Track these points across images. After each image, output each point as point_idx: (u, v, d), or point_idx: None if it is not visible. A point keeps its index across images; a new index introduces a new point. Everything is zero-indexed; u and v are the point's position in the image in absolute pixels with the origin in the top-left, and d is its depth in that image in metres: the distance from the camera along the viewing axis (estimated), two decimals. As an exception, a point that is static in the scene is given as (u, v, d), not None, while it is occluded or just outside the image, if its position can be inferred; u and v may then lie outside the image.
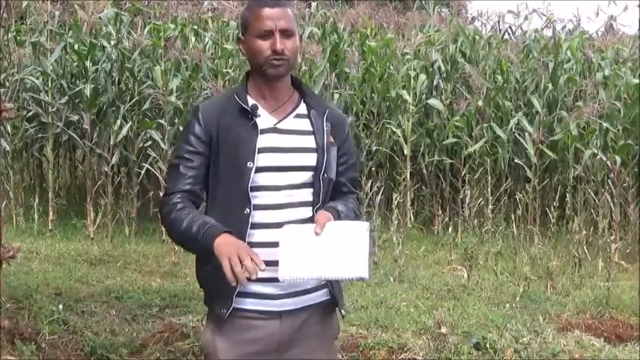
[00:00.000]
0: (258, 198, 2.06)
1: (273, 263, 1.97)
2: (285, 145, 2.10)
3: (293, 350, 2.13)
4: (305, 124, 2.15)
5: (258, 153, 2.05)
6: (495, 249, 6.65)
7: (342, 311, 2.21)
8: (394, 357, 4.12)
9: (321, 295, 2.16)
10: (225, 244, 1.93)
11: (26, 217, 7.54)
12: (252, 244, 2.00)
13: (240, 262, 1.86)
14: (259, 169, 2.05)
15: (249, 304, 2.08)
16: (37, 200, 7.51)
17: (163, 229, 2.22)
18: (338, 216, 2.07)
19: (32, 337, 3.89)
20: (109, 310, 4.69)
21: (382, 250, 6.27)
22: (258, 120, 2.08)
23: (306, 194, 2.12)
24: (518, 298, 5.22)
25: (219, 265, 1.92)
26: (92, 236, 7.13)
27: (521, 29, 9.41)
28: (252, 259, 1.88)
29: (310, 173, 2.12)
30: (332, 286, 2.16)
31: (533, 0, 10.18)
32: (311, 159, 2.11)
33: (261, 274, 1.99)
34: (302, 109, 2.17)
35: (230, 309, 2.05)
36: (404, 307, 4.95)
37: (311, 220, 2.07)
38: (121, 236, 7.28)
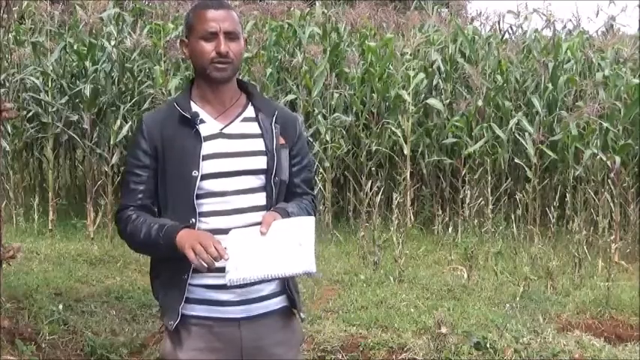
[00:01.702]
0: (205, 205, 2.05)
1: (220, 269, 1.95)
2: (232, 149, 2.07)
3: (259, 358, 2.10)
4: (253, 128, 2.12)
5: (202, 160, 2.04)
6: (495, 249, 6.64)
7: (302, 314, 2.19)
8: (394, 357, 4.12)
9: (279, 302, 2.14)
10: (186, 237, 1.94)
11: (26, 217, 7.54)
12: None
13: (205, 249, 1.88)
14: (205, 177, 2.04)
15: (203, 311, 2.06)
16: (37, 200, 7.51)
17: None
18: (287, 215, 2.04)
19: (32, 337, 3.89)
20: (109, 310, 4.69)
21: (382, 250, 6.27)
22: (201, 127, 2.06)
23: (259, 198, 2.09)
24: (518, 298, 5.22)
25: (168, 276, 2.01)
26: (92, 236, 7.13)
27: (521, 29, 9.41)
28: (215, 247, 1.89)
29: (261, 177, 2.09)
30: (290, 290, 2.14)
31: (534, 0, 10.18)
32: (261, 162, 2.09)
33: (213, 281, 2.02)
34: (249, 112, 2.15)
35: (177, 320, 2.04)
36: (404, 307, 4.95)
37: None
38: (120, 236, 7.27)
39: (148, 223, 2.03)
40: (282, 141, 2.13)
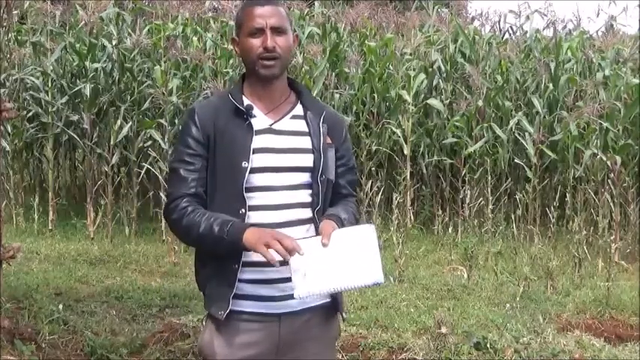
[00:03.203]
0: (254, 199, 2.05)
1: (270, 264, 1.96)
2: (280, 145, 2.09)
3: (293, 353, 2.11)
4: (301, 125, 2.14)
5: (253, 153, 2.04)
6: (495, 249, 6.65)
7: (344, 314, 2.20)
8: (394, 357, 4.12)
9: (321, 298, 2.14)
10: (256, 235, 1.94)
11: (26, 217, 7.54)
12: None
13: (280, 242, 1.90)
14: (254, 170, 2.05)
15: (248, 306, 2.07)
16: (37, 200, 7.52)
17: (173, 234, 2.19)
18: (341, 224, 2.06)
19: (32, 337, 3.89)
20: (109, 310, 4.69)
21: (382, 250, 6.26)
22: (253, 120, 2.08)
23: (304, 195, 2.11)
24: (518, 298, 5.22)
25: (216, 266, 1.99)
26: (92, 236, 7.13)
27: (522, 29, 9.41)
28: (290, 242, 1.91)
29: (307, 174, 2.11)
30: None
31: (534, 0, 10.18)
32: (307, 160, 2.11)
33: (260, 275, 2.02)
34: (298, 110, 2.17)
35: (227, 310, 2.04)
36: (404, 307, 4.95)
37: (310, 221, 2.08)
38: (121, 236, 7.28)
39: (208, 217, 2.01)
40: (328, 141, 2.15)
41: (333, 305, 2.17)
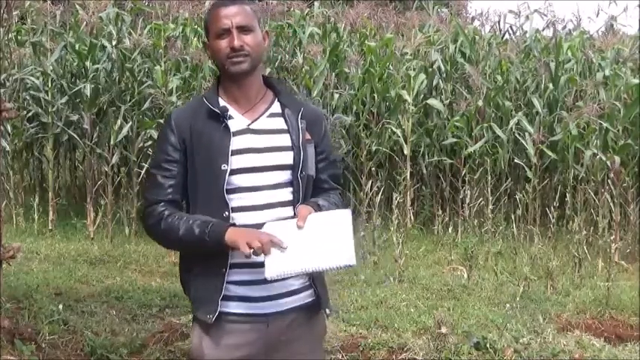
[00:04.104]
0: (236, 200, 2.06)
1: (256, 265, 1.98)
2: (259, 145, 2.09)
3: (281, 352, 2.12)
4: (279, 123, 2.14)
5: (231, 155, 2.05)
6: (495, 249, 6.65)
7: (327, 310, 2.20)
8: (394, 357, 4.12)
9: (306, 297, 2.15)
10: (239, 235, 1.96)
11: (26, 217, 7.54)
12: None
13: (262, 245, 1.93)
14: (234, 171, 2.05)
15: (235, 307, 2.07)
16: (37, 200, 7.52)
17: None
18: (319, 209, 2.06)
19: (32, 337, 3.89)
20: (109, 310, 4.69)
21: (382, 250, 6.27)
22: (229, 122, 2.08)
23: (286, 194, 2.10)
24: (518, 298, 5.22)
25: (202, 270, 2.03)
26: (92, 236, 7.14)
27: (522, 29, 9.41)
28: (271, 241, 1.93)
29: (288, 172, 2.11)
30: (316, 286, 2.15)
31: (534, 0, 10.18)
32: (287, 157, 2.10)
33: (247, 277, 2.04)
34: (276, 107, 2.16)
35: (216, 313, 2.04)
36: (404, 307, 4.95)
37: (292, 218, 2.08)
38: (121, 236, 7.28)
39: (186, 220, 2.03)
40: (308, 137, 2.15)
41: (318, 302, 2.17)
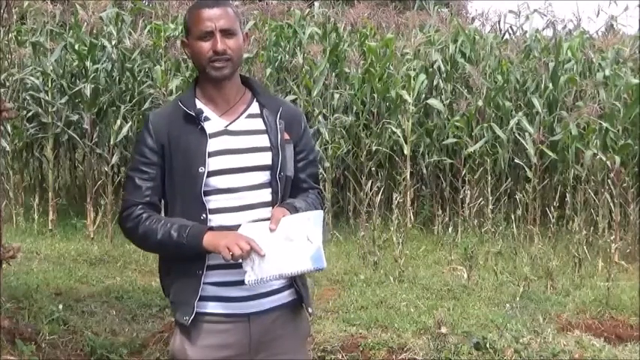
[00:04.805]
0: (213, 202, 2.06)
1: (234, 266, 1.98)
2: (237, 146, 2.08)
3: (265, 352, 2.12)
4: (258, 124, 2.13)
5: (209, 157, 2.04)
6: (495, 249, 6.64)
7: (310, 309, 2.20)
8: (394, 357, 4.12)
9: (287, 295, 2.15)
10: (218, 238, 1.97)
11: (26, 217, 7.54)
12: None
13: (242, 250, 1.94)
14: (212, 173, 2.05)
15: (214, 307, 2.07)
16: (37, 200, 7.52)
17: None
18: (295, 211, 2.06)
19: (32, 337, 3.89)
20: (109, 310, 4.69)
21: (382, 250, 6.27)
22: (206, 124, 2.07)
23: (265, 194, 2.10)
24: (518, 298, 5.22)
25: (180, 272, 2.04)
26: (92, 236, 7.14)
27: (522, 29, 9.41)
28: (251, 246, 1.94)
29: (267, 173, 2.10)
30: (297, 285, 2.15)
31: (534, 0, 10.18)
32: (266, 158, 2.10)
33: (225, 278, 2.05)
34: (254, 108, 2.16)
35: (192, 315, 2.04)
36: (404, 307, 4.95)
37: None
38: (121, 236, 7.23)
39: (164, 224, 2.03)
40: (286, 137, 2.14)
41: (299, 300, 2.17)
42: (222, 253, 1.93)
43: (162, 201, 2.13)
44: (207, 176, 2.04)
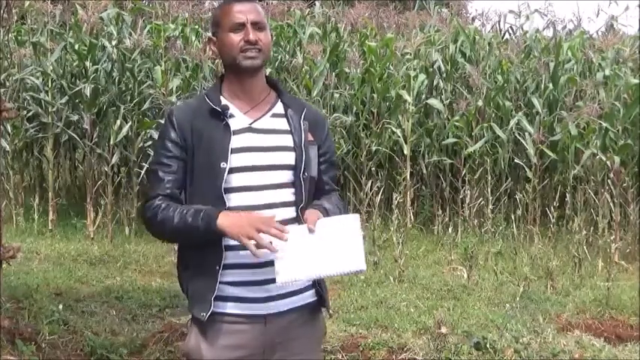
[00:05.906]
0: (234, 199, 2.04)
1: (252, 265, 1.98)
2: (260, 144, 2.08)
3: (280, 352, 2.11)
4: (282, 124, 2.13)
5: (231, 153, 2.04)
6: (495, 249, 6.65)
7: (330, 311, 2.20)
8: (394, 357, 4.12)
9: (308, 297, 2.14)
10: (234, 224, 1.95)
11: (26, 217, 7.54)
12: (231, 247, 2.01)
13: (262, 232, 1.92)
14: (234, 170, 2.04)
15: (232, 308, 2.06)
16: (37, 200, 7.52)
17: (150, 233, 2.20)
18: (326, 213, 2.07)
19: (32, 337, 3.89)
20: (109, 310, 4.69)
21: (382, 250, 6.27)
22: (230, 120, 2.07)
23: (287, 194, 2.09)
24: (518, 298, 5.22)
25: (197, 266, 2.03)
26: (92, 236, 7.13)
27: (522, 29, 9.41)
28: (275, 227, 1.93)
29: (290, 172, 2.10)
30: (319, 286, 2.15)
31: (535, 0, 10.18)
32: (289, 158, 2.10)
33: (243, 277, 2.03)
34: (279, 108, 2.16)
35: (209, 311, 2.03)
36: (404, 307, 4.96)
37: (295, 220, 2.06)
38: (121, 236, 7.28)
39: (180, 210, 2.02)
40: (310, 138, 2.15)
41: (319, 302, 2.17)
42: (244, 243, 1.92)
43: (183, 193, 2.12)
44: (229, 173, 2.03)
